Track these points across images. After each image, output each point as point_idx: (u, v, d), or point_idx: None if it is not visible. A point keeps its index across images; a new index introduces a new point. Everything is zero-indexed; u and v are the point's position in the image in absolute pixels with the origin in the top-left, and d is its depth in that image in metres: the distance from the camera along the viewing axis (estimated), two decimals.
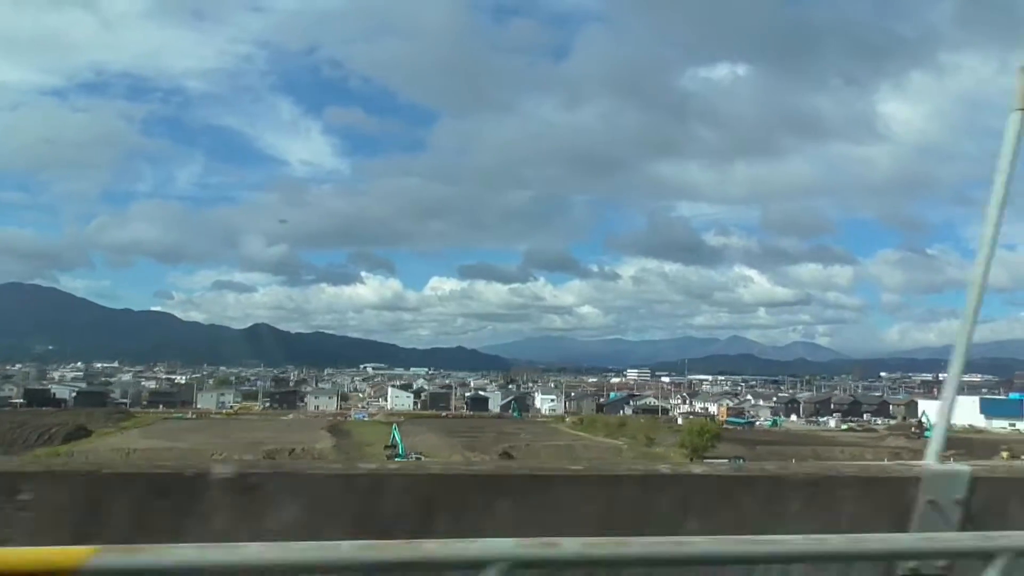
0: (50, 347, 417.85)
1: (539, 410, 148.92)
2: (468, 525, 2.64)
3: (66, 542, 1.95)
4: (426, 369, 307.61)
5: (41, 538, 2.12)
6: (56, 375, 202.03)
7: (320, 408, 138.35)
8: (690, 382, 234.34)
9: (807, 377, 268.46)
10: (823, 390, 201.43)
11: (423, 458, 59.32)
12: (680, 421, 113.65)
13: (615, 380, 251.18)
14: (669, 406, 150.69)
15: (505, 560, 2.04)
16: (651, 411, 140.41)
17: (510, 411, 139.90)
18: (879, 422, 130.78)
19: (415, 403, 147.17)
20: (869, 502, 3.23)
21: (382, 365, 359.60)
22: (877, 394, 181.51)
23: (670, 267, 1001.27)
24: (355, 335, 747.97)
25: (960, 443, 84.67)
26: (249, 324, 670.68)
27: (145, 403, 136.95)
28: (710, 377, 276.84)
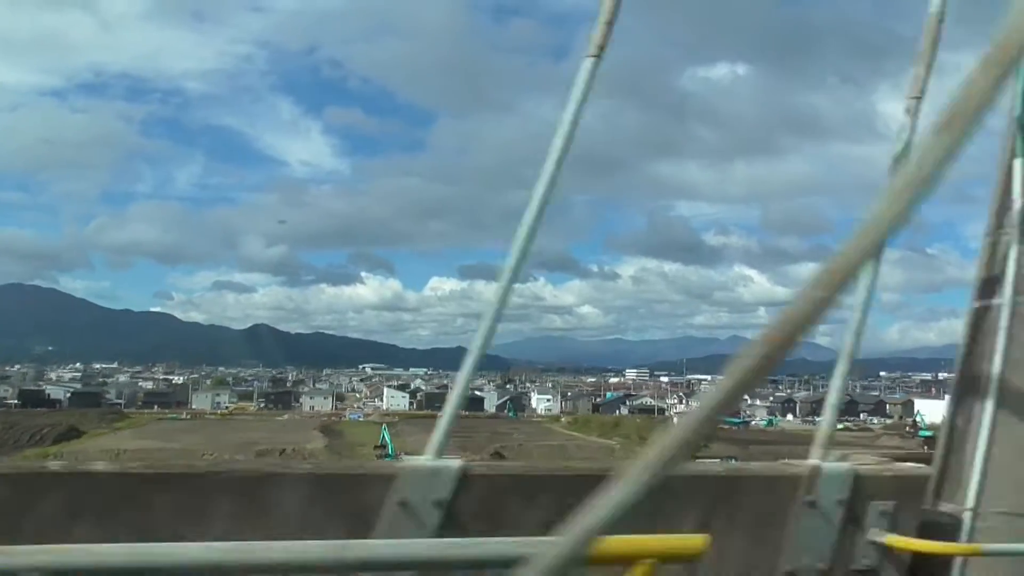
0: (50, 348, 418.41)
1: (535, 410, 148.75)
2: None
3: None
4: (425, 369, 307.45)
5: None
6: (54, 376, 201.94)
7: (315, 408, 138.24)
8: (688, 382, 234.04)
9: (806, 376, 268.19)
10: (821, 389, 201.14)
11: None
12: (676, 421, 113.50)
13: (614, 380, 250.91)
14: (666, 406, 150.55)
15: None
16: (647, 411, 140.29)
17: (506, 411, 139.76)
18: (874, 421, 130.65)
19: (411, 403, 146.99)
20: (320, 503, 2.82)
21: (381, 365, 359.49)
22: (875, 393, 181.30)
23: (670, 267, 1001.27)
24: (355, 335, 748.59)
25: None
26: (249, 325, 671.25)
27: (140, 404, 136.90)
28: (709, 377, 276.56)
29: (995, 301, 3.61)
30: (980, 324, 3.72)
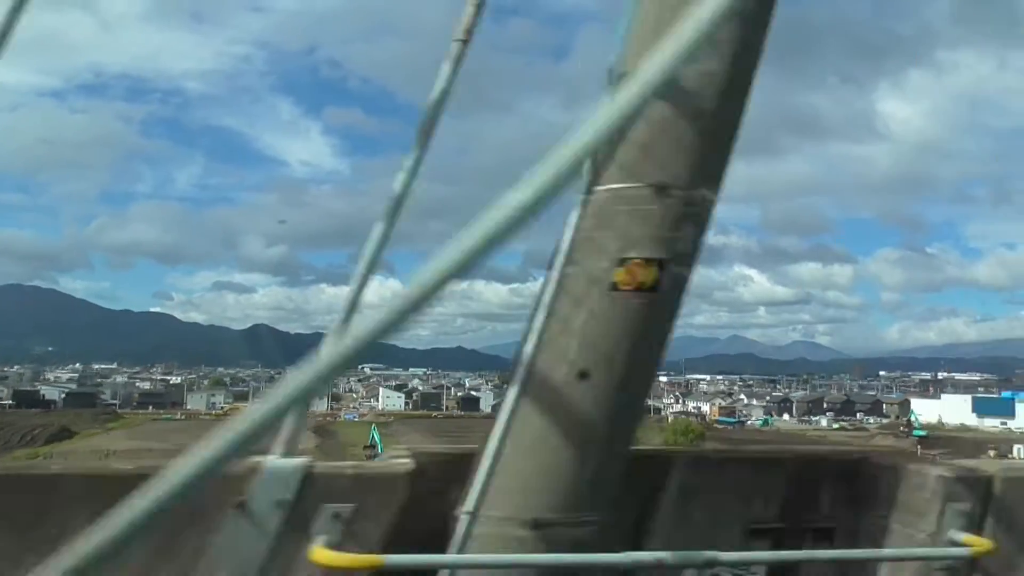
0: (50, 348, 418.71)
1: None
2: None
3: None
4: (424, 369, 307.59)
5: None
6: (51, 376, 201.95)
7: (310, 409, 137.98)
8: (687, 381, 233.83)
9: (804, 376, 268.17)
10: (819, 389, 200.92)
11: None
12: (671, 420, 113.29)
13: None
14: (662, 405, 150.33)
15: None
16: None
17: None
18: (871, 421, 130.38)
19: (406, 403, 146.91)
20: None
21: (380, 365, 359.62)
22: (872, 393, 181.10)
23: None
24: None
25: (949, 442, 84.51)
26: (249, 325, 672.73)
27: (135, 404, 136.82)
28: (708, 376, 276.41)
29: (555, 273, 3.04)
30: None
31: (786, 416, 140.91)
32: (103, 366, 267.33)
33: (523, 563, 2.85)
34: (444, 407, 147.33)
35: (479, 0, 3.49)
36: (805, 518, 3.72)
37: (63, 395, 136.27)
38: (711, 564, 2.98)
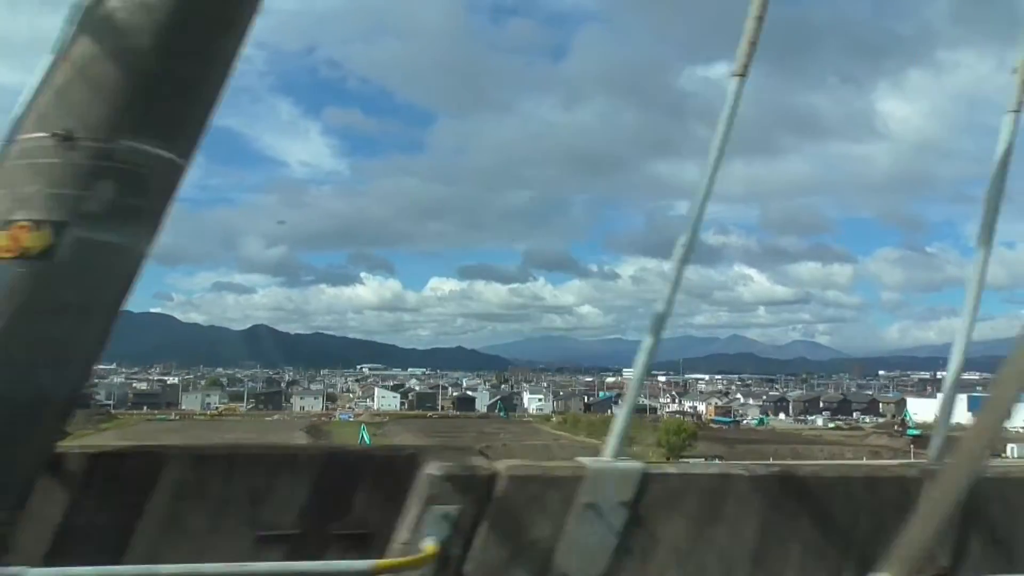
0: None
1: (527, 409, 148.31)
2: None
3: None
4: (423, 369, 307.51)
5: None
6: None
7: (306, 409, 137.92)
8: (685, 381, 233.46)
9: (803, 376, 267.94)
10: (817, 388, 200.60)
11: None
12: (665, 419, 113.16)
13: (611, 380, 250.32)
14: (658, 405, 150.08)
15: None
16: (640, 410, 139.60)
17: (496, 411, 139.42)
18: (866, 420, 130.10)
19: (402, 403, 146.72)
20: None
21: (379, 366, 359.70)
22: (869, 392, 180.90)
23: (669, 266, 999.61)
24: (355, 336, 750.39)
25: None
26: (248, 325, 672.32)
27: (130, 404, 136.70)
28: (707, 376, 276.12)
29: None
30: None
31: (782, 415, 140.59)
32: (102, 367, 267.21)
33: None
34: (440, 407, 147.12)
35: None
36: (330, 524, 3.38)
37: None
38: None
